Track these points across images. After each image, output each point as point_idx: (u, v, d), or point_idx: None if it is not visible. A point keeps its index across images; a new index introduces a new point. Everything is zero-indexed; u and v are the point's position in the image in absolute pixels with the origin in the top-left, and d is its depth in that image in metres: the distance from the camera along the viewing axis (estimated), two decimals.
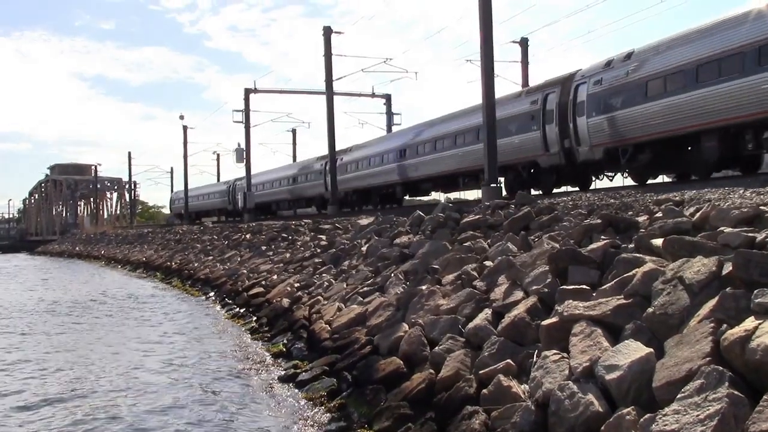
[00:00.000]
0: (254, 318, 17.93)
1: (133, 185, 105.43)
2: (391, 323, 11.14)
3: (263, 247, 28.20)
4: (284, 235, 28.69)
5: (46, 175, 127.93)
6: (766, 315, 5.31)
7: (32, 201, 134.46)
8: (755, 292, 5.57)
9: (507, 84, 41.20)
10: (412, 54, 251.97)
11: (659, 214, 9.65)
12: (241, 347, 14.82)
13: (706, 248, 7.10)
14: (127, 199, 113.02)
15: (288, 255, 23.94)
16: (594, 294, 7.65)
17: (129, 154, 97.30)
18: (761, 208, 7.96)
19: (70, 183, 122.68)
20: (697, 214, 8.67)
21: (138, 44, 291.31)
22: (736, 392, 4.76)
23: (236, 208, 61.07)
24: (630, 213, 10.81)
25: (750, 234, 7.01)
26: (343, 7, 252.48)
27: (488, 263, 11.15)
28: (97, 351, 15.08)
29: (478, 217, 14.97)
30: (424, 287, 11.62)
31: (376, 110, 57.94)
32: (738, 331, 5.29)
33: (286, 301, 17.05)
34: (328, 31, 38.41)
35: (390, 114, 52.09)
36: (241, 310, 19.65)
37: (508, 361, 7.52)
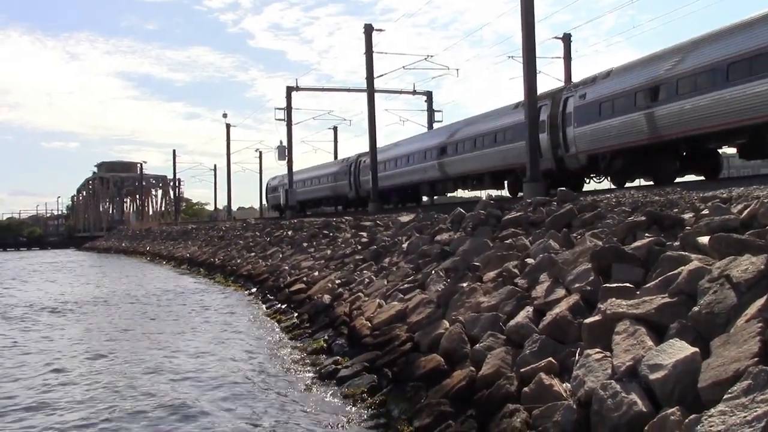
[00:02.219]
0: (295, 314, 18.07)
1: (177, 182, 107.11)
2: (431, 320, 11.12)
3: (304, 244, 28.38)
4: (325, 231, 28.82)
5: (94, 173, 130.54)
6: None
7: (80, 198, 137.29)
8: None
9: (550, 80, 40.67)
10: (454, 51, 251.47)
11: (706, 212, 9.46)
12: (282, 342, 14.96)
13: (755, 246, 6.92)
14: (172, 196, 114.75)
15: (329, 252, 24.06)
16: (638, 292, 7.52)
17: (173, 152, 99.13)
18: None
19: (116, 180, 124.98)
20: (745, 212, 8.48)
21: (182, 44, 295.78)
22: None
23: (360, 194, 47.40)
24: (675, 210, 10.61)
25: None
26: (384, 5, 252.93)
27: (530, 261, 11.05)
28: (143, 343, 15.37)
29: (519, 214, 14.84)
30: (464, 284, 11.58)
31: (417, 107, 58.04)
32: None
33: (327, 298, 17.15)
34: (369, 29, 38.45)
35: (431, 111, 51.98)
36: (283, 306, 19.80)
37: (550, 359, 7.45)
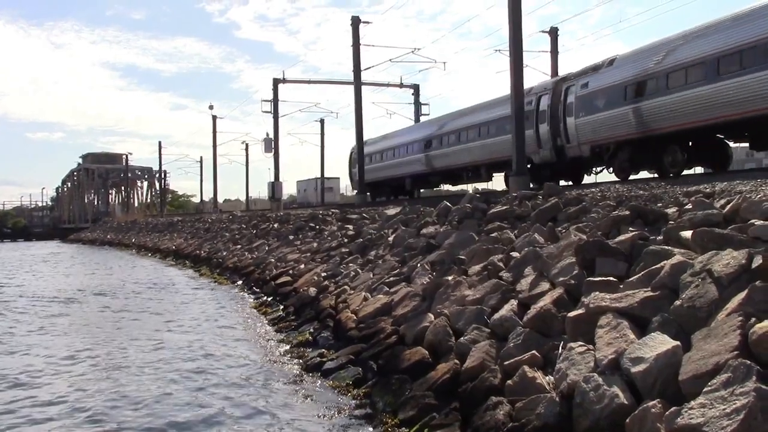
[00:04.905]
0: (281, 306, 18.05)
1: (163, 174, 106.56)
2: (416, 313, 11.15)
3: (291, 237, 28.35)
4: (312, 224, 28.81)
5: (79, 164, 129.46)
6: None
7: (65, 189, 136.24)
8: None
9: (536, 74, 40.75)
10: (441, 44, 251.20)
11: (689, 206, 9.55)
12: (267, 335, 14.95)
13: (736, 241, 7.01)
14: (158, 188, 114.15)
15: (315, 244, 24.05)
16: (621, 286, 7.60)
17: (159, 143, 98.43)
18: None
19: (101, 172, 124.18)
20: (728, 207, 8.56)
21: (169, 34, 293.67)
22: (763, 386, 4.70)
23: (568, 154, 26.13)
24: (659, 204, 10.70)
25: None
26: None
27: (515, 254, 11.11)
28: (125, 337, 15.28)
29: (505, 207, 14.91)
30: (450, 278, 11.62)
31: (404, 100, 58.00)
32: (767, 324, 5.23)
33: (312, 290, 17.15)
34: (356, 21, 38.40)
35: (418, 104, 52.05)
36: (269, 299, 19.79)
37: (534, 352, 7.50)
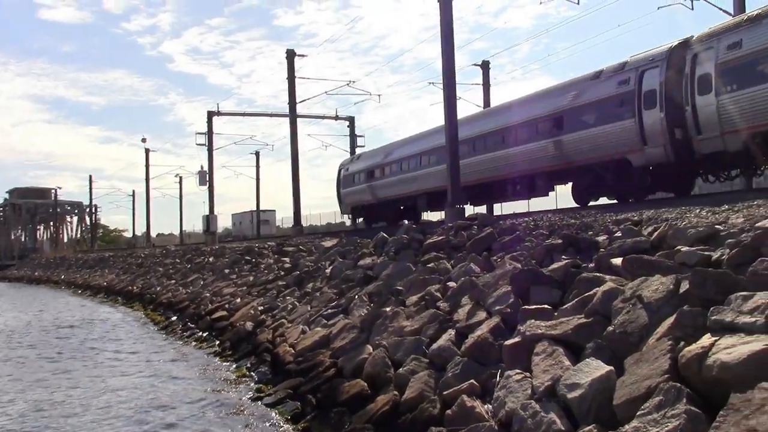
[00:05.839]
0: (217, 342, 17.75)
1: (93, 209, 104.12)
2: (355, 345, 11.11)
3: (226, 270, 27.96)
4: (248, 257, 28.48)
5: (5, 199, 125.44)
6: (721, 332, 5.39)
7: None
8: (711, 309, 5.65)
9: (469, 106, 41.49)
10: (375, 76, 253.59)
11: (618, 234, 9.79)
12: (204, 371, 14.63)
13: (664, 267, 7.21)
14: (88, 223, 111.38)
15: (251, 278, 23.77)
16: (556, 313, 7.72)
17: (90, 177, 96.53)
18: (716, 227, 8.12)
19: (29, 207, 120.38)
20: (655, 234, 8.82)
21: (99, 67, 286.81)
22: (693, 408, 4.83)
23: (695, 150, 18.04)
24: (590, 233, 10.93)
25: (706, 252, 7.14)
26: (306, 30, 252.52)
27: (451, 284, 11.19)
28: (56, 379, 14.76)
29: (441, 238, 15.03)
30: (388, 309, 11.63)
31: (340, 132, 58.15)
32: (695, 348, 5.37)
33: (249, 325, 16.92)
34: (291, 54, 38.55)
35: (353, 136, 52.32)
36: (204, 334, 19.42)
37: (472, 381, 7.54)
